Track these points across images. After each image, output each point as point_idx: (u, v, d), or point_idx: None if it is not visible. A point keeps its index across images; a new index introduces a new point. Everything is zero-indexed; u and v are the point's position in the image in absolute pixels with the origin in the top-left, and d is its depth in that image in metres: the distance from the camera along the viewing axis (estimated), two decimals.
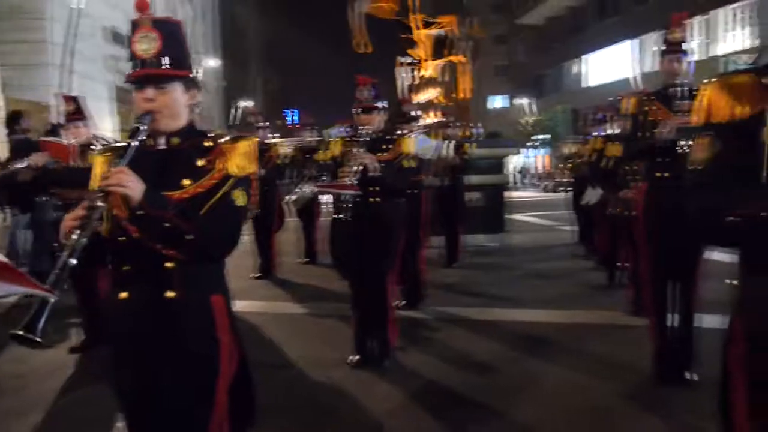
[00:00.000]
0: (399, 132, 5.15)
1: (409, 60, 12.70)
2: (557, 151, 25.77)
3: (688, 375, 4.09)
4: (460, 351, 5.11)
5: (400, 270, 5.13)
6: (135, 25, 2.23)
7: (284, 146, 8.88)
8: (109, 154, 2.32)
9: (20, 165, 5.35)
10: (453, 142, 8.50)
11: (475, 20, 13.34)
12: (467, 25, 12.66)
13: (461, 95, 12.76)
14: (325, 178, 7.00)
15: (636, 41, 30.52)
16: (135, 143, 2.15)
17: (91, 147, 5.03)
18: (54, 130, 7.83)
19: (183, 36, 2.33)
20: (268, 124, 9.32)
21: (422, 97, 12.81)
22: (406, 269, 5.74)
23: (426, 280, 6.62)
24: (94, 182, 2.30)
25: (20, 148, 6.80)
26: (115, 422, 3.80)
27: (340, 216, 4.37)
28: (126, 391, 2.29)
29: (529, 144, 38.45)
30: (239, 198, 2.22)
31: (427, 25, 11.83)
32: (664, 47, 4.14)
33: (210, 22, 39.52)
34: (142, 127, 2.17)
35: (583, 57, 37.81)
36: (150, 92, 2.20)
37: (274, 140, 9.01)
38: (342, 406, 4.10)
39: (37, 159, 5.13)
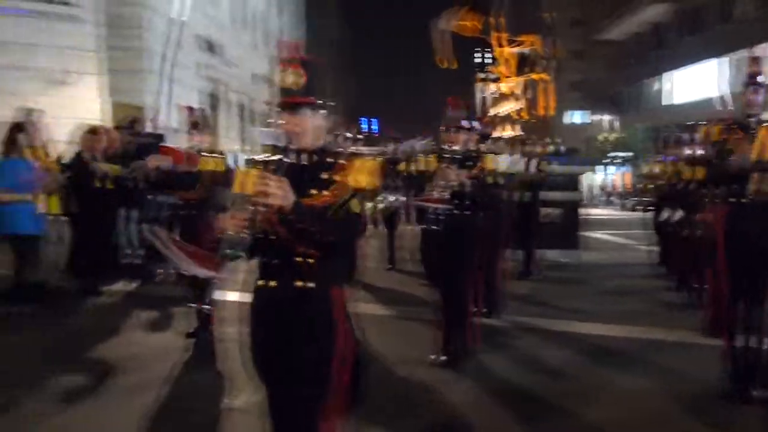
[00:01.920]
0: (484, 150, 5.52)
1: (489, 76, 13.02)
2: (638, 170, 25.42)
3: (756, 393, 4.28)
4: (534, 357, 5.43)
5: (480, 279, 5.49)
6: (285, 62, 2.71)
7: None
8: (259, 166, 2.80)
9: (139, 167, 6.02)
10: (535, 159, 8.75)
11: (558, 41, 13.53)
12: (550, 44, 12.89)
13: (542, 112, 12.96)
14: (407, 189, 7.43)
15: (724, 60, 29.73)
16: (283, 159, 2.62)
17: (205, 153, 5.64)
18: (160, 135, 8.58)
19: (323, 72, 2.79)
20: (349, 134, 9.79)
21: (501, 110, 13.08)
22: (485, 279, 6.08)
23: (504, 291, 6.94)
24: (244, 189, 2.79)
25: (136, 151, 7.54)
26: (224, 398, 4.35)
27: (432, 227, 4.76)
28: (262, 359, 2.76)
29: (607, 161, 37.90)
30: (357, 206, 2.66)
31: (509, 43, 12.12)
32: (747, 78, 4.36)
33: (295, 34, 40.77)
34: (288, 146, 2.64)
35: (665, 74, 36.99)
36: (292, 117, 2.67)
37: (357, 150, 9.46)
38: (423, 400, 4.48)
39: (158, 161, 5.73)
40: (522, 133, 11.05)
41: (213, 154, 5.69)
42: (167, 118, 14.87)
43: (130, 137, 8.25)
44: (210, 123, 6.06)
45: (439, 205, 4.66)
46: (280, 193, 2.46)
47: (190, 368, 5.00)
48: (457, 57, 12.96)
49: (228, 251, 2.41)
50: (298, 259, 2.58)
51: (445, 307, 5.13)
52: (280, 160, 2.63)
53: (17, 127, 6.31)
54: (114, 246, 7.83)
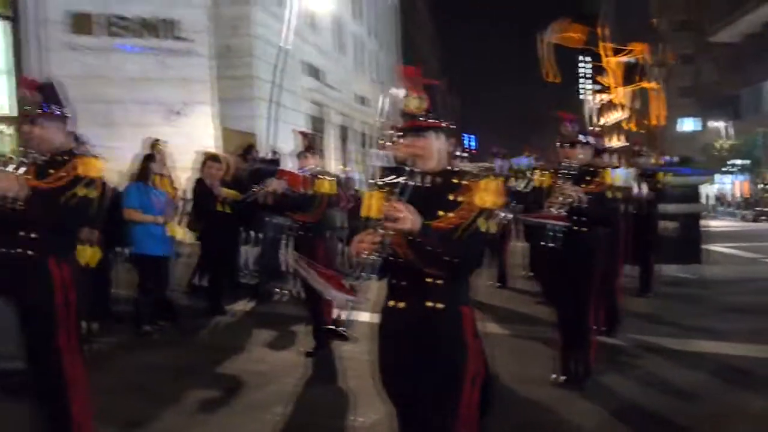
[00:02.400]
0: (601, 164, 5.40)
1: (596, 87, 12.72)
2: (759, 178, 23.94)
3: None
4: (658, 377, 5.21)
5: (599, 297, 5.35)
6: (407, 86, 2.78)
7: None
8: (384, 189, 2.88)
9: (261, 190, 6.29)
10: (643, 175, 8.44)
11: (667, 47, 13.03)
12: (659, 51, 12.45)
13: (654, 122, 12.50)
14: (515, 204, 7.36)
15: None
16: (408, 182, 2.68)
17: (319, 176, 5.83)
18: (277, 160, 8.92)
19: (443, 95, 2.85)
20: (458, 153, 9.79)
21: (608, 120, 12.72)
22: (604, 297, 5.92)
23: (623, 308, 6.72)
24: (371, 212, 2.87)
25: (253, 176, 7.87)
26: (349, 415, 4.46)
27: (549, 244, 4.70)
28: (391, 379, 2.81)
29: (724, 169, 35.86)
30: (483, 225, 2.68)
31: (616, 52, 11.80)
32: None
33: (393, 53, 41.42)
34: (412, 169, 2.70)
35: None
36: (415, 140, 2.73)
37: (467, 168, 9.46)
38: (546, 420, 4.41)
39: (276, 185, 5.98)
40: (627, 143, 10.65)
41: (327, 177, 5.89)
42: (275, 142, 15.45)
43: (245, 163, 8.64)
44: (322, 146, 6.28)
45: (557, 222, 4.60)
46: (408, 216, 2.52)
47: (313, 385, 5.14)
48: (561, 69, 12.74)
49: (362, 273, 2.49)
50: (427, 279, 2.63)
51: (564, 326, 5.04)
52: (405, 183, 2.69)
53: (148, 157, 6.76)
54: (234, 267, 8.21)
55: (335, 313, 5.81)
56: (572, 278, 4.79)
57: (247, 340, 6.39)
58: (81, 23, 14.35)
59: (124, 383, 5.13)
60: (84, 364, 3.49)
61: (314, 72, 25.01)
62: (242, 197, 7.06)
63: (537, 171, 5.28)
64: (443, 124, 2.78)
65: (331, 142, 27.58)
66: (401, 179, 2.73)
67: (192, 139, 14.66)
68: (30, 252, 3.40)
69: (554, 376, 4.99)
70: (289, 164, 8.72)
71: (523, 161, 9.91)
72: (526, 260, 9.53)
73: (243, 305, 7.93)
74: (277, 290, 8.32)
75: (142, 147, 7.31)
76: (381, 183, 2.92)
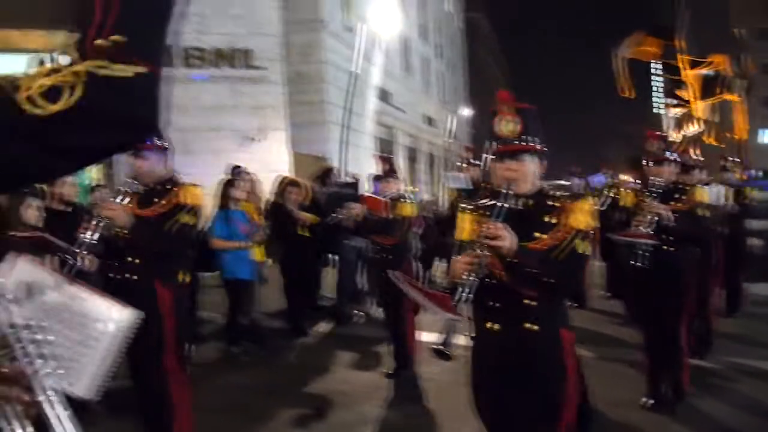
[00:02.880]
0: (690, 181, 5.29)
1: (675, 102, 12.44)
2: None
3: None
4: (755, 401, 5.03)
5: (691, 318, 5.21)
6: (498, 112, 2.83)
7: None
8: (476, 212, 2.93)
9: (342, 215, 6.44)
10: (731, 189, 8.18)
11: (749, 57, 12.62)
12: (741, 62, 12.06)
13: (737, 135, 12.09)
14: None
15: None
16: (504, 204, 2.72)
17: (401, 199, 5.91)
18: (355, 183, 9.05)
19: (535, 118, 2.88)
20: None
21: (687, 132, 12.37)
22: (695, 318, 5.76)
23: (713, 329, 6.51)
24: (462, 234, 2.92)
25: (332, 200, 8.03)
26: None
27: (637, 264, 4.62)
28: (486, 402, 2.83)
29: None
30: (581, 247, 2.69)
31: (694, 64, 11.52)
32: None
33: (460, 74, 41.50)
34: (507, 192, 2.74)
35: None
36: (510, 164, 2.77)
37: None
38: None
39: (358, 210, 6.11)
40: (702, 158, 10.29)
41: (406, 200, 5.97)
42: (346, 166, 15.69)
43: (323, 187, 8.82)
44: (399, 170, 6.37)
45: (645, 241, 4.52)
46: (507, 237, 2.56)
47: (397, 406, 5.19)
48: (635, 84, 12.52)
49: (463, 294, 2.54)
50: (526, 301, 2.65)
51: (652, 348, 4.92)
52: (500, 205, 2.73)
53: (229, 183, 6.99)
54: (313, 289, 8.38)
55: (439, 333, 5.84)
56: (662, 298, 4.69)
57: (330, 361, 6.50)
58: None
59: (214, 402, 5.29)
60: (188, 384, 3.65)
61: (382, 94, 25.32)
62: (326, 220, 7.23)
63: (615, 188, 5.22)
64: (538, 147, 2.82)
65: (399, 163, 27.79)
66: (493, 201, 2.77)
67: (266, 164, 15.07)
68: (137, 277, 3.60)
69: (644, 399, 4.88)
70: (366, 187, 8.87)
71: (600, 179, 9.75)
72: (603, 280, 9.35)
73: (323, 327, 8.07)
74: (356, 312, 8.43)
75: (224, 173, 7.58)
76: (475, 206, 2.96)
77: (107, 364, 1.31)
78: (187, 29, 16.53)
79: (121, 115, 0.88)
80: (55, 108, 0.84)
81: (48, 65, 0.88)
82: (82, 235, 3.31)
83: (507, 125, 2.79)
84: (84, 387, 1.23)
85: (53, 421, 1.09)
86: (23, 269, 1.21)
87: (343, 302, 8.32)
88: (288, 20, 18.26)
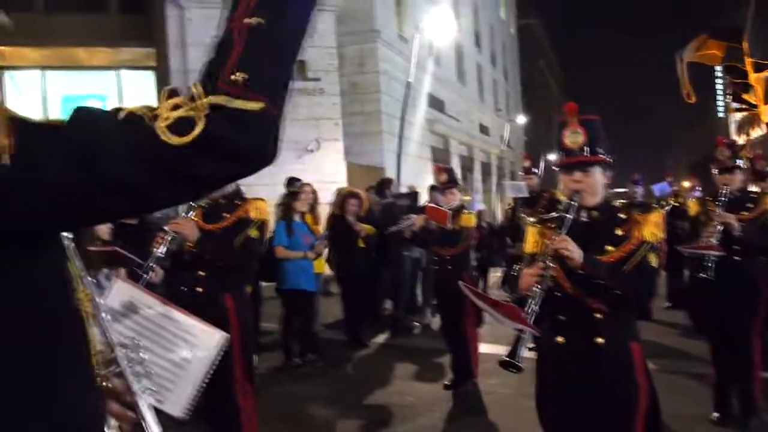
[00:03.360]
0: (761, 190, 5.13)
1: (740, 106, 12.04)
2: None
3: None
4: None
5: (762, 330, 5.03)
6: (565, 123, 2.81)
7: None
8: (540, 225, 2.91)
9: (402, 225, 6.48)
10: None
11: None
12: None
13: None
14: None
15: None
16: (570, 216, 2.70)
17: (463, 210, 5.90)
18: (415, 194, 9.08)
19: (600, 129, 2.85)
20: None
21: (751, 136, 11.97)
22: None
23: None
24: (528, 247, 2.91)
25: (389, 211, 8.08)
26: None
27: (702, 275, 4.50)
28: (553, 416, 2.80)
29: None
30: (653, 260, 2.64)
31: (759, 68, 11.12)
32: None
33: (513, 81, 41.17)
34: (574, 204, 2.72)
35: None
36: (577, 175, 2.75)
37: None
38: None
39: (418, 220, 6.12)
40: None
41: (468, 211, 5.96)
42: (401, 175, 15.74)
43: (380, 198, 8.87)
44: (458, 180, 6.36)
45: (714, 252, 4.40)
46: (575, 250, 2.54)
47: (460, 419, 5.17)
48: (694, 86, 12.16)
49: (534, 306, 2.52)
50: (596, 315, 2.62)
51: (721, 361, 4.77)
52: (566, 217, 2.70)
53: (291, 195, 7.10)
54: (372, 301, 8.43)
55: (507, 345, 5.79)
56: (732, 310, 4.54)
57: (390, 373, 6.52)
58: None
59: (277, 412, 5.36)
60: (254, 394, 3.72)
61: (437, 103, 25.31)
62: (388, 231, 7.27)
63: (678, 197, 5.09)
64: (604, 158, 2.79)
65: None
66: (558, 213, 2.76)
67: (323, 175, 15.25)
68: (204, 289, 3.70)
69: (715, 414, 4.73)
70: (425, 198, 8.88)
71: (664, 188, 9.52)
72: (664, 290, 9.13)
73: (382, 338, 8.10)
74: (414, 323, 8.44)
75: (285, 187, 7.71)
76: (540, 218, 2.95)
77: (198, 385, 1.36)
78: None
79: (239, 149, 0.92)
80: (186, 139, 0.89)
81: (174, 99, 0.93)
82: (155, 249, 3.43)
83: (573, 137, 2.77)
84: (175, 406, 1.27)
85: None
86: (122, 289, 1.27)
87: (400, 313, 8.33)
88: (342, 32, 18.46)
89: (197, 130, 0.89)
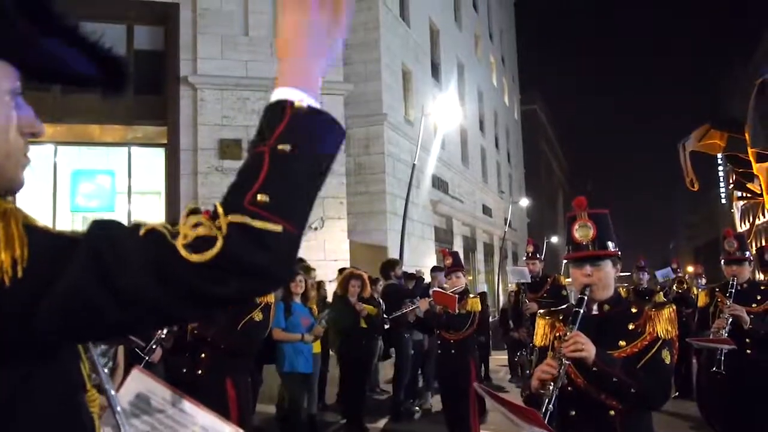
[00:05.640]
0: None
1: (744, 194, 12.15)
2: None
3: None
4: None
5: None
6: (574, 217, 2.82)
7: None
8: (550, 316, 2.88)
9: (406, 310, 6.42)
10: None
11: None
12: None
13: None
14: None
15: None
16: (581, 311, 2.66)
17: (469, 294, 5.86)
18: (421, 277, 9.04)
19: (610, 223, 2.86)
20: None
21: (755, 224, 11.99)
22: None
23: None
24: (538, 339, 2.87)
25: (391, 292, 8.02)
26: None
27: (713, 369, 4.41)
28: None
29: None
30: (667, 357, 2.60)
31: (762, 158, 11.28)
32: None
33: (515, 165, 41.75)
34: (585, 297, 2.69)
35: None
36: (588, 269, 2.73)
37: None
38: None
39: (423, 304, 6.07)
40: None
41: (473, 295, 5.92)
42: (404, 255, 15.73)
43: (383, 279, 8.82)
44: (462, 264, 6.35)
45: (723, 345, 4.33)
46: (588, 346, 2.49)
47: None
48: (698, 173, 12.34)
49: (550, 406, 2.45)
50: (610, 412, 2.55)
51: None
52: (576, 311, 2.67)
53: None
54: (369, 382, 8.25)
55: None
56: (746, 403, 4.43)
57: None
58: (231, 150, 15.59)
59: None
60: None
61: (441, 184, 25.58)
62: (391, 317, 7.19)
63: (681, 283, 5.06)
64: (613, 252, 2.78)
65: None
66: (569, 306, 2.73)
67: (326, 253, 15.26)
68: (207, 372, 3.63)
69: None
70: (427, 279, 8.84)
71: (668, 274, 9.47)
72: (673, 379, 8.93)
73: (382, 422, 7.88)
74: (415, 408, 8.24)
75: None
76: (550, 311, 2.92)
77: None
78: (253, 124, 17.25)
79: (257, 269, 0.92)
80: (205, 257, 0.88)
81: (195, 217, 0.93)
82: (158, 330, 3.39)
83: (582, 231, 2.77)
84: None
85: None
86: (137, 379, 1.24)
87: (401, 397, 8.14)
88: (350, 114, 18.87)
89: (216, 249, 0.89)
